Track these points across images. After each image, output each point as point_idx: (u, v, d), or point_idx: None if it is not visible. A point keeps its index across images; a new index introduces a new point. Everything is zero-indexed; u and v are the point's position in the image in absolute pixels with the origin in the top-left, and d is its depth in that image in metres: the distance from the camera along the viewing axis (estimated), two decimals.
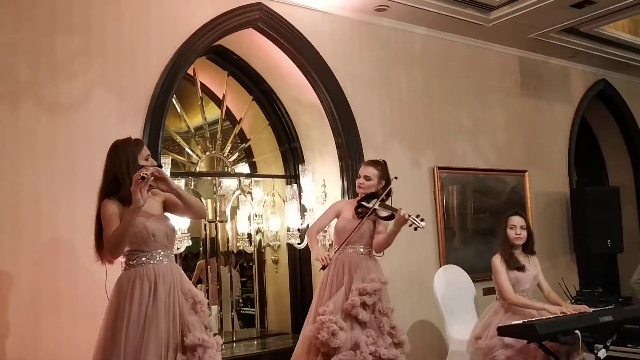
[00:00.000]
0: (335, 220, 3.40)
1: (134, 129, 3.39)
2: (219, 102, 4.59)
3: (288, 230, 4.27)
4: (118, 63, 3.40)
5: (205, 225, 4.52)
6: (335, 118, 4.26)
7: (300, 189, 4.32)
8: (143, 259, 2.37)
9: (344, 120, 4.27)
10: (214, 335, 2.44)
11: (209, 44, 3.79)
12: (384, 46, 4.60)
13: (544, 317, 3.10)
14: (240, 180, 4.63)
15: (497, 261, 3.42)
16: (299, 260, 4.42)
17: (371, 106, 4.46)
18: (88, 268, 2.93)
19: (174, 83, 3.58)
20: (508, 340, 3.10)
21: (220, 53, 4.30)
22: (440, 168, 4.74)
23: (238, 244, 4.75)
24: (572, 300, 4.33)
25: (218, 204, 4.60)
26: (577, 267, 5.70)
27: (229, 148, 4.57)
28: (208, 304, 4.42)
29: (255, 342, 4.30)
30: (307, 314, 3.26)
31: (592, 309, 3.23)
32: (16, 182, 3.04)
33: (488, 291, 4.46)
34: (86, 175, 3.10)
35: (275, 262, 4.68)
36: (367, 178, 3.33)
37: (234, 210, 4.79)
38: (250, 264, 4.93)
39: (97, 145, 3.21)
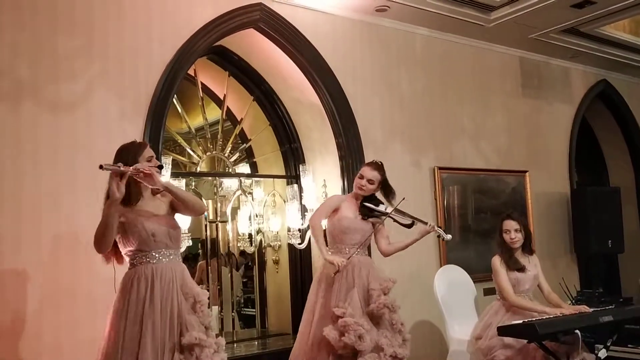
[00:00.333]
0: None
1: (135, 129, 3.40)
2: (219, 103, 4.60)
3: (289, 230, 4.27)
4: (119, 63, 3.41)
5: (205, 225, 4.53)
6: (336, 118, 4.26)
7: (300, 189, 4.33)
8: (144, 258, 2.41)
9: (344, 121, 4.27)
10: (217, 336, 2.44)
11: (209, 44, 3.80)
12: (384, 47, 4.60)
13: (544, 317, 3.09)
14: (240, 181, 4.64)
15: (497, 262, 3.42)
16: (300, 260, 4.42)
17: (372, 106, 4.47)
18: (90, 267, 2.96)
19: (174, 83, 3.59)
20: (508, 340, 3.10)
21: (221, 53, 4.30)
22: (440, 168, 4.74)
23: (239, 244, 4.76)
24: (573, 301, 4.33)
25: (219, 204, 4.61)
26: (578, 267, 5.70)
27: (229, 148, 4.58)
28: (209, 304, 4.46)
29: (256, 343, 4.30)
30: (305, 314, 3.25)
31: (592, 309, 3.23)
32: (18, 182, 3.05)
33: (488, 291, 4.46)
34: (87, 174, 3.12)
35: (276, 262, 4.68)
36: (370, 182, 3.30)
37: (235, 210, 4.80)
38: (250, 264, 4.94)
39: (98, 145, 3.25)
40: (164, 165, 2.64)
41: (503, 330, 3.05)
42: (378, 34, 4.57)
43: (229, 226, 4.79)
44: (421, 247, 4.47)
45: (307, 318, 3.23)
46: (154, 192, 2.51)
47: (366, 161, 4.22)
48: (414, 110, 4.70)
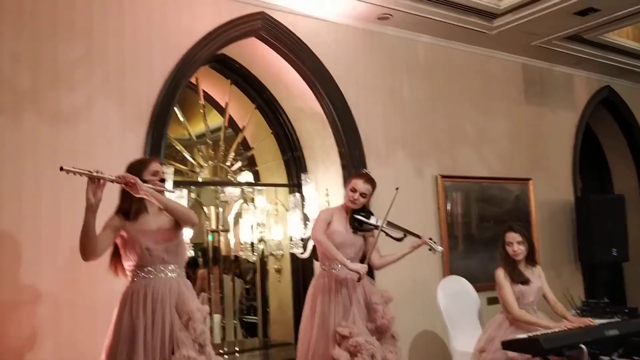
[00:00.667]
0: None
1: (136, 139, 3.39)
2: (221, 110, 4.59)
3: (291, 239, 4.25)
4: (120, 72, 3.39)
5: (207, 234, 4.51)
6: (338, 127, 4.24)
7: (303, 198, 4.30)
8: (141, 273, 2.43)
9: (347, 129, 4.25)
10: (217, 354, 2.44)
11: (211, 53, 3.78)
12: (387, 54, 4.58)
13: (550, 331, 3.06)
14: (242, 189, 4.62)
15: (501, 275, 3.39)
16: (302, 270, 4.39)
17: (374, 115, 4.44)
18: (93, 279, 2.94)
19: (176, 92, 3.57)
20: (512, 354, 3.07)
21: (223, 62, 4.28)
22: (443, 176, 4.71)
23: (241, 253, 4.74)
24: (578, 311, 4.29)
25: (221, 213, 4.59)
26: (582, 276, 5.65)
27: (232, 156, 4.56)
28: (211, 313, 4.44)
29: (258, 353, 4.27)
30: (302, 331, 3.19)
31: (597, 322, 3.19)
32: (18, 192, 3.02)
33: (492, 300, 4.42)
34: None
35: (278, 271, 4.65)
36: (363, 195, 3.22)
37: (237, 219, 4.78)
38: (251, 274, 4.92)
39: (99, 154, 3.23)
40: (166, 178, 2.61)
41: (507, 345, 3.01)
42: (380, 41, 4.55)
43: (230, 235, 4.76)
44: (423, 256, 4.40)
45: (306, 327, 3.18)
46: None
47: (369, 169, 4.22)
48: (416, 118, 4.68)
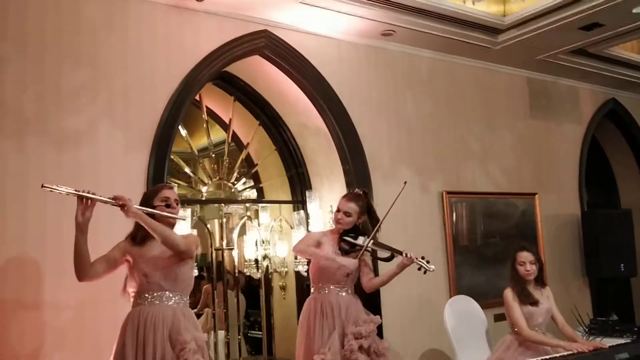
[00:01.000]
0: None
1: (140, 160, 3.38)
2: (224, 126, 4.58)
3: (296, 257, 4.22)
4: (124, 94, 3.38)
5: (212, 252, 4.48)
6: (342, 143, 4.22)
7: (307, 215, 4.28)
8: (139, 300, 2.43)
9: (351, 146, 4.23)
10: None
11: (215, 72, 3.78)
12: (390, 70, 4.57)
13: (558, 355, 3.01)
14: (246, 207, 4.60)
15: (510, 296, 3.35)
16: (307, 287, 4.35)
17: (378, 131, 4.42)
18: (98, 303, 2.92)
19: (180, 112, 3.57)
20: None
21: (226, 79, 4.28)
22: (449, 193, 4.68)
23: (245, 270, 4.71)
24: (587, 329, 4.23)
25: (225, 230, 4.56)
26: (590, 291, 5.59)
27: (235, 173, 4.54)
28: (215, 329, 4.40)
29: None
30: (297, 355, 3.17)
31: (608, 345, 3.14)
32: (22, 217, 3.01)
33: (499, 317, 4.38)
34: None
35: (283, 288, 4.62)
36: (347, 214, 3.16)
37: (241, 235, 4.75)
38: (255, 289, 4.88)
39: (103, 177, 3.22)
40: (174, 205, 2.60)
41: None
42: (384, 57, 4.54)
43: (235, 252, 4.74)
44: (429, 274, 4.34)
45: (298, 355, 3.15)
46: None
47: (374, 186, 4.23)
48: (421, 133, 4.65)
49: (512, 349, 3.26)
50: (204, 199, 4.40)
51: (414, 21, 4.14)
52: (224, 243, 4.53)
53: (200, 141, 4.57)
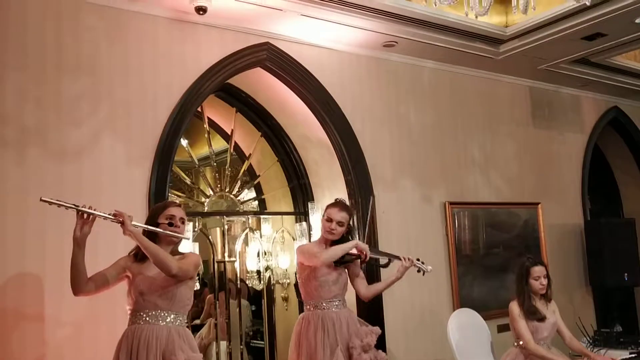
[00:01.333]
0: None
1: (142, 173, 3.38)
2: (226, 137, 4.57)
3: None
4: (126, 107, 3.38)
5: (214, 264, 4.47)
6: (344, 154, 4.21)
7: (309, 227, 4.27)
8: (134, 318, 2.40)
9: (353, 157, 4.22)
10: None
11: (217, 84, 3.77)
12: (392, 81, 4.56)
13: None
14: (248, 218, 4.59)
15: (516, 309, 3.33)
16: None
17: (380, 142, 4.42)
18: (97, 319, 2.90)
19: (182, 125, 3.56)
20: None
21: (228, 90, 4.28)
22: (451, 203, 4.66)
23: (247, 282, 4.70)
24: (591, 341, 4.21)
25: (227, 242, 4.55)
26: (594, 300, 5.56)
27: (238, 185, 4.53)
28: (217, 339, 4.37)
29: None
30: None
31: (615, 357, 3.12)
32: (22, 229, 3.00)
33: (502, 328, 4.37)
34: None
35: (285, 299, 4.61)
36: (340, 224, 3.09)
37: (243, 247, 4.74)
38: (258, 299, 4.86)
39: (105, 190, 3.22)
40: (178, 223, 2.57)
41: None
42: (386, 68, 4.54)
43: (237, 263, 4.72)
44: (432, 284, 4.40)
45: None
46: (173, 252, 2.47)
47: (375, 197, 4.21)
48: (423, 144, 4.65)
49: None
50: (205, 210, 4.39)
51: (415, 32, 4.14)
52: (226, 254, 4.52)
53: (201, 150, 4.56)
